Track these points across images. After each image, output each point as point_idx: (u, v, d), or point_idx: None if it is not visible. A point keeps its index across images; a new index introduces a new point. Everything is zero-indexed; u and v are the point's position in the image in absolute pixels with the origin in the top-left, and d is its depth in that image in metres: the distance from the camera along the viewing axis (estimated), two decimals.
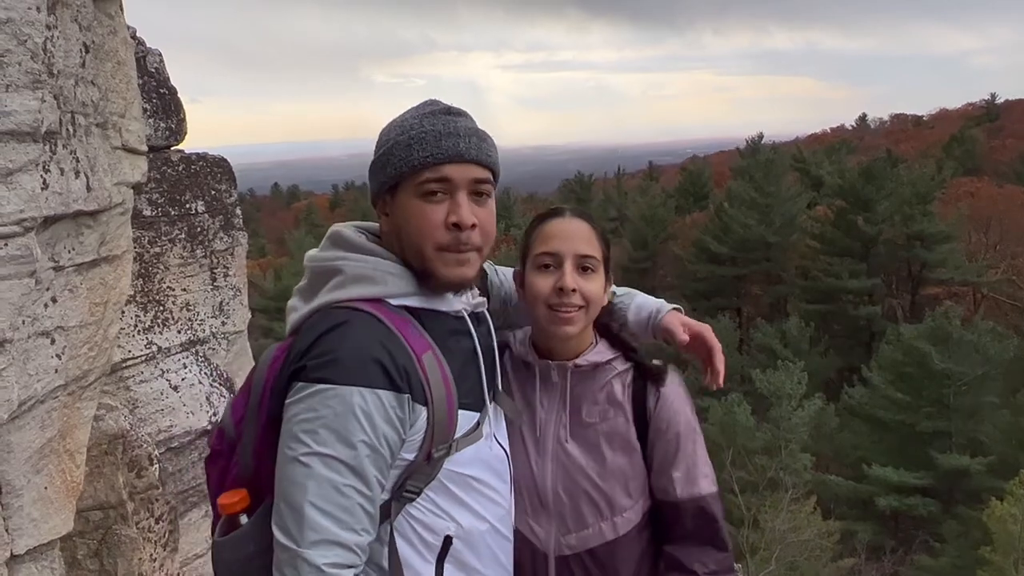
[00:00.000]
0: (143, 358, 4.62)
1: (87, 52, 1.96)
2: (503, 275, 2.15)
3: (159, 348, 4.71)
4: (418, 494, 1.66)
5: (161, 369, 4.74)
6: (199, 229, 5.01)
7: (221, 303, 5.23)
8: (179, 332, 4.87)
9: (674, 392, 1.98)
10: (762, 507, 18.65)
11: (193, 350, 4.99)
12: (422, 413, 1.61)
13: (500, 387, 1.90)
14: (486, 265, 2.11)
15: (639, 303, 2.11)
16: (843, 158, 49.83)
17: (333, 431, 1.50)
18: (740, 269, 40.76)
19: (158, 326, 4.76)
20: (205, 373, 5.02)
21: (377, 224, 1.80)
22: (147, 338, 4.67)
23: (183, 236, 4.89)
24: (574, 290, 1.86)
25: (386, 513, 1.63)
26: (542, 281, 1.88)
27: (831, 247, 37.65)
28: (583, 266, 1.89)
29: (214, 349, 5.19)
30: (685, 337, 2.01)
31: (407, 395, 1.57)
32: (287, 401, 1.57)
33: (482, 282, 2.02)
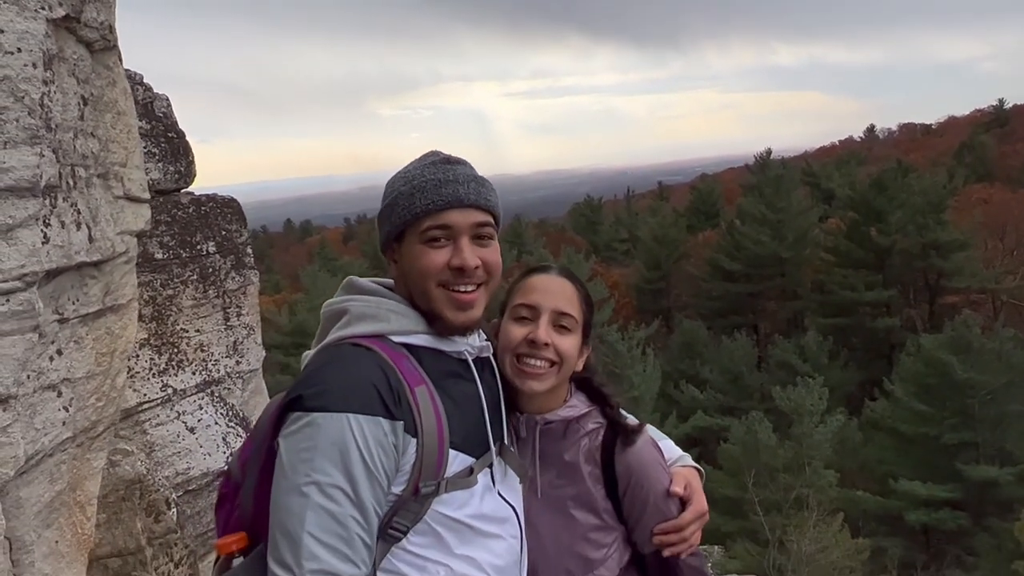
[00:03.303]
0: (159, 401, 4.62)
1: (86, 104, 1.97)
2: None
3: (174, 390, 4.71)
4: (404, 534, 1.61)
5: (177, 411, 4.74)
6: (211, 270, 5.03)
7: (235, 342, 5.23)
8: (194, 373, 4.87)
9: (645, 453, 1.92)
10: (788, 527, 18.38)
11: (208, 391, 4.99)
12: (411, 444, 1.58)
13: (507, 442, 1.84)
14: None
15: (666, 445, 2.08)
16: (853, 170, 49.74)
17: (330, 459, 1.49)
18: (755, 286, 40.59)
19: (173, 368, 4.76)
20: (221, 413, 5.01)
21: (389, 279, 1.84)
22: (162, 381, 4.68)
23: (195, 277, 4.91)
24: (547, 343, 1.82)
25: None
26: (516, 330, 1.85)
27: (845, 260, 37.45)
28: (560, 324, 1.86)
29: (229, 389, 5.18)
30: (678, 490, 1.93)
31: (400, 422, 1.56)
32: (281, 433, 1.56)
33: None
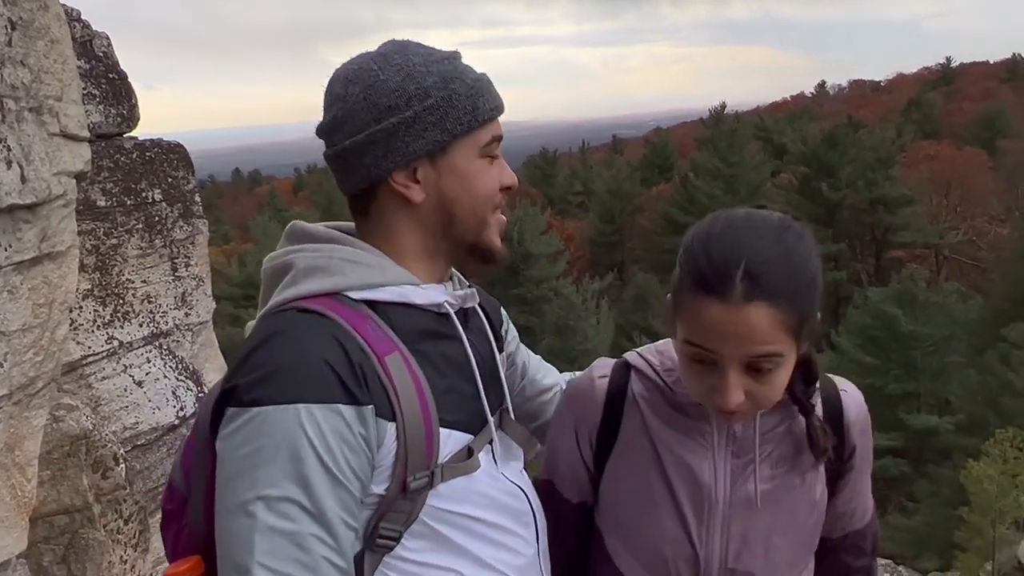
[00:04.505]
0: (104, 354, 4.46)
1: (14, 29, 1.78)
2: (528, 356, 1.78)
3: (120, 343, 4.55)
4: (397, 540, 1.27)
5: (124, 365, 4.58)
6: (157, 218, 4.84)
7: (183, 294, 5.07)
8: (141, 325, 4.71)
9: (863, 411, 1.54)
10: None
11: (156, 343, 4.84)
12: (389, 430, 1.24)
13: (509, 408, 1.51)
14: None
15: None
16: (805, 125, 50.32)
17: (278, 465, 1.15)
18: None
19: (118, 320, 4.59)
20: (170, 367, 4.87)
21: (346, 223, 1.46)
22: (107, 333, 4.51)
23: (140, 226, 4.72)
24: (737, 408, 1.31)
25: (358, 571, 1.26)
26: (695, 379, 1.35)
27: (797, 214, 38.04)
28: (758, 367, 1.29)
29: (178, 341, 5.03)
30: None
31: (369, 406, 1.21)
32: (219, 434, 1.23)
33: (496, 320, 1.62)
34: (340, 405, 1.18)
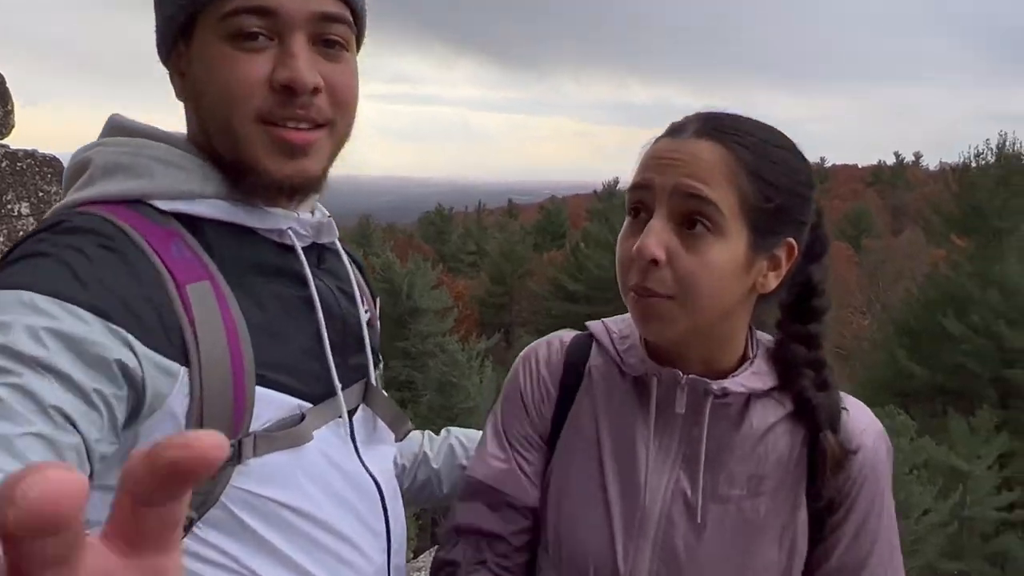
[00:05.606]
0: None
1: None
2: (448, 446, 1.44)
3: None
4: (187, 528, 0.91)
5: None
6: (21, 233, 4.53)
7: None
8: None
9: (877, 435, 1.14)
10: None
11: None
12: (180, 376, 0.89)
13: (375, 379, 1.16)
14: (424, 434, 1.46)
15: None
16: None
17: None
18: (594, 307, 41.90)
19: None
20: None
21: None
22: None
23: (2, 239, 4.41)
24: (655, 261, 0.99)
25: None
26: (625, 240, 1.04)
27: None
28: (689, 216, 0.99)
29: None
30: None
31: (117, 325, 0.83)
32: None
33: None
34: (77, 307, 0.82)
